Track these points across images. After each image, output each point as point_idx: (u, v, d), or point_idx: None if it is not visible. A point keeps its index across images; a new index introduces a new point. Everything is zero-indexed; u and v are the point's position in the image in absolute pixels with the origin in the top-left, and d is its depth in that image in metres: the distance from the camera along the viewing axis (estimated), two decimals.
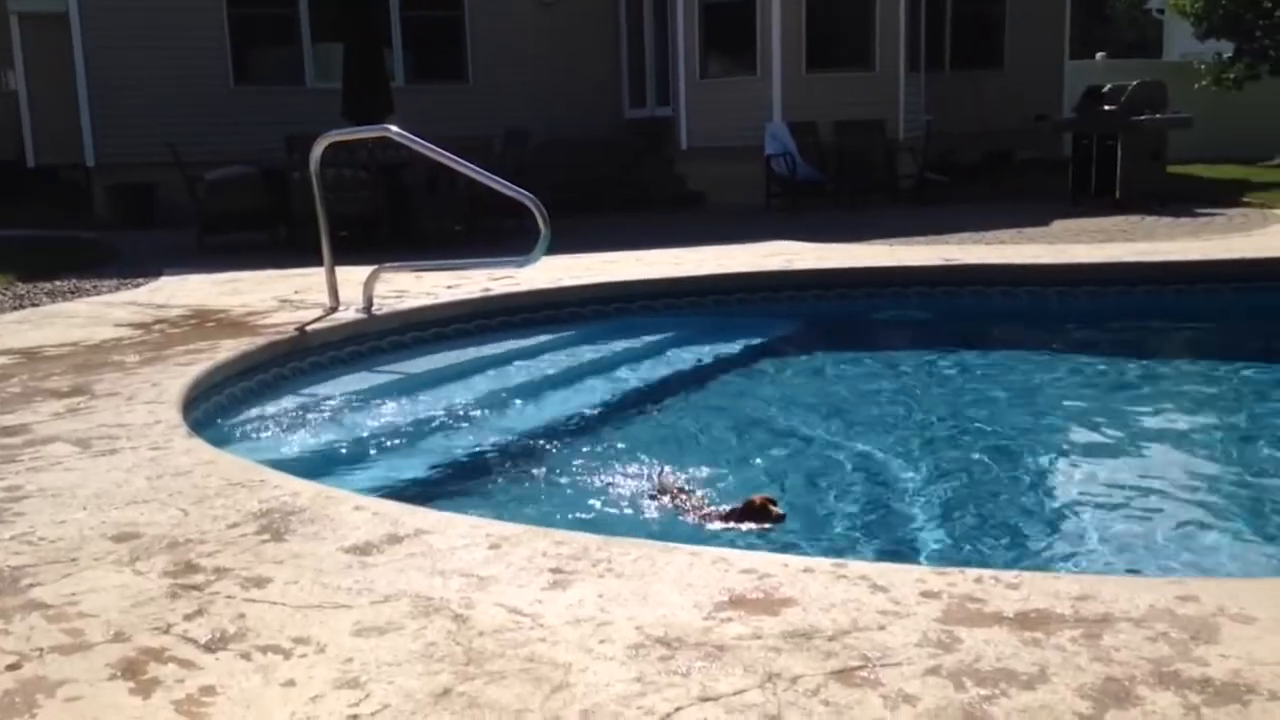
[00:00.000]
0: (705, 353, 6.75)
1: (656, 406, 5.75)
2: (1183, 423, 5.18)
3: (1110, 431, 5.01)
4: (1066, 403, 5.67)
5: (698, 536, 3.55)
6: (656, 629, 2.18)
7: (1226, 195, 13.02)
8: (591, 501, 4.14)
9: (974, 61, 17.85)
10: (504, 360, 6.31)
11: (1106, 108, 12.38)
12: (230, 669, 2.09)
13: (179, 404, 4.27)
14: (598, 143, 15.52)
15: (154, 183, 13.26)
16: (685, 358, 6.70)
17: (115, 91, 14.07)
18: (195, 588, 2.49)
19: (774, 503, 3.72)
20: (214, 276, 8.39)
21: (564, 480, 4.40)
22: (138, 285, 8.15)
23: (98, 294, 7.81)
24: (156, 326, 6.16)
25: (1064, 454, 4.80)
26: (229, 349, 5.33)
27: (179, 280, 8.33)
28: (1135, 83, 12.41)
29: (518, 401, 5.63)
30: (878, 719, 1.82)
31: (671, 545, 2.70)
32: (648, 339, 6.92)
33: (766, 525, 3.64)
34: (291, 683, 2.03)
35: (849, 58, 15.17)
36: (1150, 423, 5.18)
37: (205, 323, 6.23)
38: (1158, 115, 12.22)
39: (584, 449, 4.96)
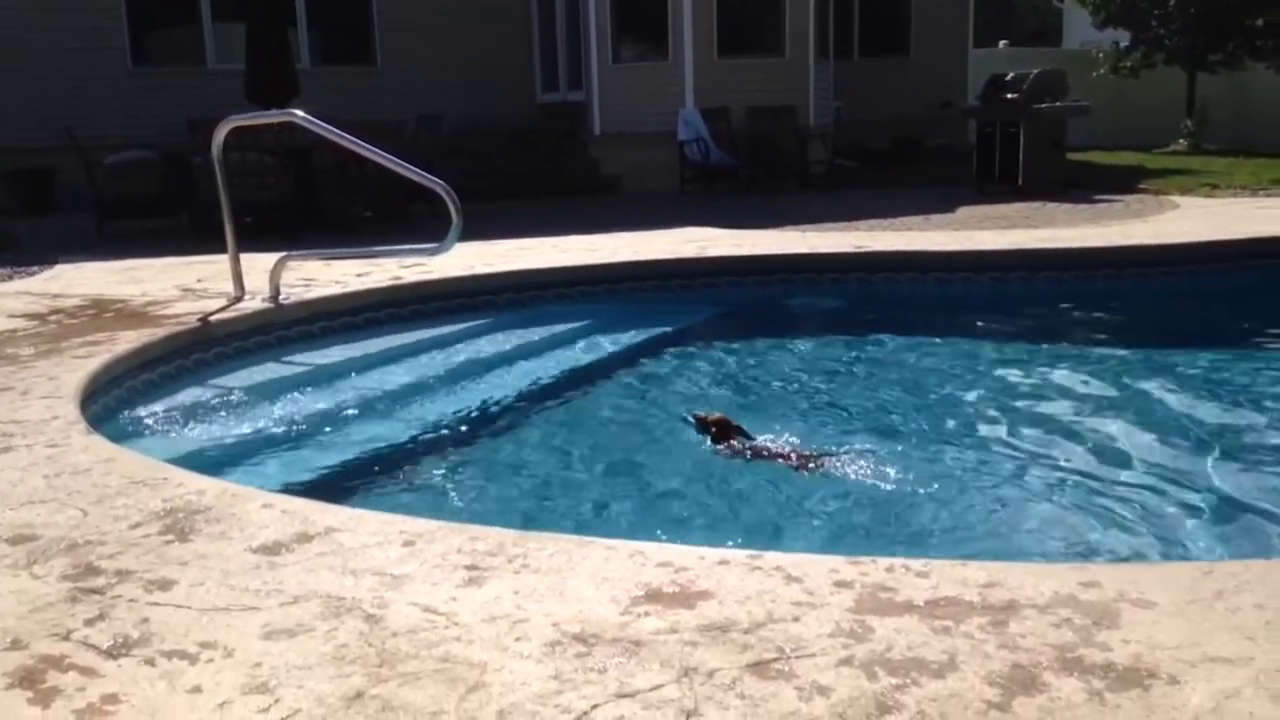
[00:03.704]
0: (620, 340, 6.74)
1: (570, 394, 5.73)
2: (1084, 406, 5.32)
3: (1012, 414, 5.13)
4: (972, 386, 5.78)
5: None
6: (573, 625, 2.17)
7: (1124, 182, 13.41)
8: (507, 491, 4.12)
9: (882, 49, 18.11)
10: (416, 350, 6.22)
11: (1009, 96, 12.64)
12: (133, 676, 2.03)
13: (77, 398, 4.13)
14: (511, 127, 15.40)
15: (52, 168, 12.80)
16: (599, 345, 6.68)
17: (6, 74, 13.54)
18: (96, 591, 2.41)
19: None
20: (113, 265, 8.13)
21: (479, 471, 4.37)
22: (33, 274, 7.87)
23: None
24: (52, 317, 5.95)
25: (968, 436, 4.90)
26: (128, 341, 5.17)
27: (76, 269, 8.06)
28: (1036, 71, 12.70)
29: (431, 392, 5.56)
30: (792, 711, 1.83)
31: (588, 539, 2.69)
32: (562, 327, 6.89)
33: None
34: (198, 689, 1.98)
35: (760, 44, 15.27)
36: (1050, 406, 5.30)
37: (104, 313, 6.04)
38: (1058, 103, 12.53)
39: (498, 439, 4.93)
